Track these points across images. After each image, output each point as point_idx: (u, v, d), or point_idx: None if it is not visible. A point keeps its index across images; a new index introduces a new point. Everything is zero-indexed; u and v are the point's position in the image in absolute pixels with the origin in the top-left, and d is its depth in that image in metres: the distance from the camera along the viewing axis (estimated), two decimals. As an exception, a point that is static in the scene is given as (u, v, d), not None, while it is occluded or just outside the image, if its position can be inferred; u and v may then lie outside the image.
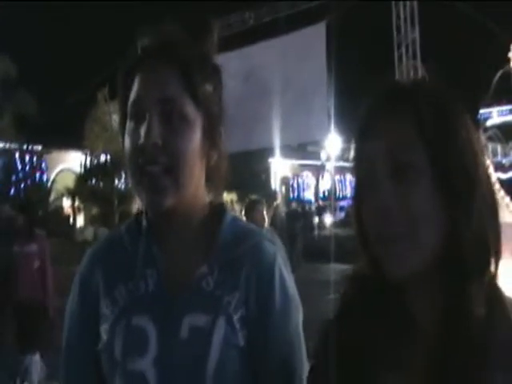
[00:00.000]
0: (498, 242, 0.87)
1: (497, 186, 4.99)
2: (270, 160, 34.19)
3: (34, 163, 25.52)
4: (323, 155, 33.92)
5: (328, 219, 26.24)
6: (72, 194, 25.04)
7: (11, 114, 23.63)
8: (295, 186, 39.02)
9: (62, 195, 25.52)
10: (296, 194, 38.32)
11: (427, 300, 0.87)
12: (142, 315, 1.10)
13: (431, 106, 0.85)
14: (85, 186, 23.79)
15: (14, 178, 24.51)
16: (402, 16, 19.11)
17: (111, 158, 22.59)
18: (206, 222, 1.18)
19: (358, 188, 0.91)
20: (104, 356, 1.12)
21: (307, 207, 27.07)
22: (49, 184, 26.79)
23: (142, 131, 1.07)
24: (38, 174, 25.74)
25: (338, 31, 16.63)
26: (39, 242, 5.73)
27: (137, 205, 1.18)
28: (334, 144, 26.61)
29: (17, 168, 24.88)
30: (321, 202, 33.23)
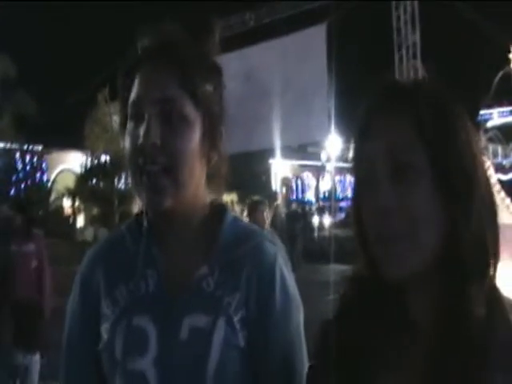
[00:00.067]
0: (497, 244, 0.87)
1: (497, 187, 4.99)
2: (271, 161, 34.19)
3: (35, 163, 25.53)
4: (323, 156, 33.90)
5: (327, 220, 26.23)
6: (72, 194, 25.03)
7: (11, 114, 23.63)
8: (295, 186, 39.02)
9: (63, 195, 25.52)
10: (296, 194, 38.33)
11: (427, 300, 0.87)
12: (143, 315, 1.10)
13: (431, 106, 0.85)
14: (85, 187, 23.78)
15: (14, 178, 24.52)
16: (402, 18, 19.13)
17: (111, 159, 22.59)
18: (206, 222, 1.18)
19: (358, 188, 0.91)
20: (104, 356, 1.12)
21: (307, 208, 27.06)
22: (49, 184, 26.80)
23: (142, 131, 1.08)
24: (38, 175, 25.76)
25: (338, 32, 16.64)
26: (37, 241, 5.71)
27: (137, 205, 1.18)
28: (334, 145, 26.60)
29: (17, 168, 24.89)
30: (321, 203, 33.23)
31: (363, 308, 0.92)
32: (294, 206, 25.20)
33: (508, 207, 5.04)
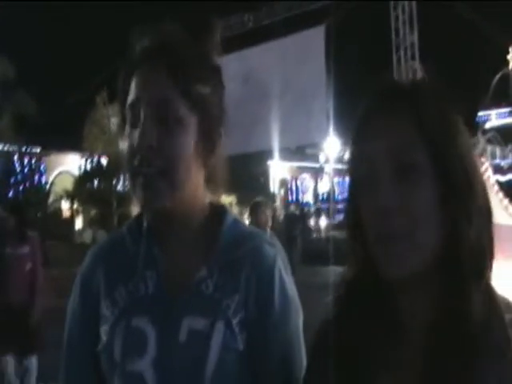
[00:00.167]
0: (492, 244, 0.87)
1: (495, 188, 4.99)
2: (269, 162, 34.20)
3: (33, 165, 25.50)
4: (322, 157, 33.93)
5: (323, 222, 26.25)
6: (70, 196, 25.03)
7: (10, 115, 23.61)
8: (294, 188, 39.01)
9: (61, 197, 25.51)
10: (295, 196, 38.32)
11: (426, 300, 0.87)
12: (142, 317, 1.10)
13: (431, 106, 0.86)
14: (83, 189, 23.79)
15: (12, 180, 24.49)
16: (400, 18, 19.15)
17: (110, 161, 22.59)
18: (206, 224, 1.18)
19: (356, 188, 0.91)
20: (103, 357, 1.12)
21: (306, 209, 27.07)
22: (47, 186, 26.78)
23: (137, 134, 1.08)
24: (36, 177, 25.73)
25: (337, 33, 16.65)
26: (31, 243, 5.71)
27: (135, 207, 1.18)
28: (332, 146, 26.63)
29: (15, 170, 24.87)
30: (320, 205, 33.23)
31: (358, 309, 0.92)
32: (292, 207, 25.20)
33: (506, 208, 5.04)
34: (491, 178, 5.27)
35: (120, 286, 1.14)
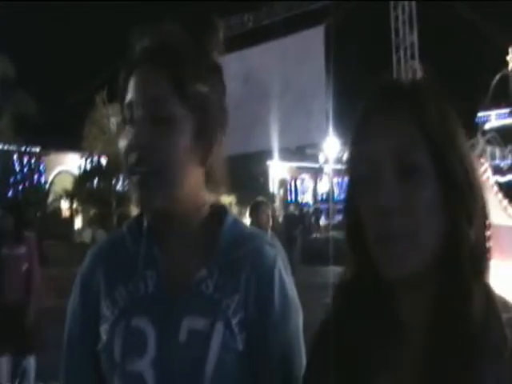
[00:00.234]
0: (487, 243, 0.88)
1: (495, 189, 5.00)
2: (269, 162, 34.18)
3: (32, 165, 25.49)
4: (321, 158, 33.91)
5: (322, 222, 26.24)
6: (70, 195, 25.01)
7: (10, 115, 23.59)
8: (293, 188, 39.01)
9: (60, 197, 25.49)
10: (294, 196, 38.31)
11: (427, 300, 0.87)
12: (142, 316, 1.10)
13: (431, 105, 0.86)
14: (83, 188, 23.77)
15: (12, 179, 24.48)
16: (400, 18, 19.16)
17: (109, 161, 22.59)
18: (206, 224, 1.18)
19: (355, 188, 0.91)
20: (103, 356, 1.13)
21: (305, 210, 27.07)
22: (47, 186, 26.76)
23: (132, 133, 1.09)
24: (36, 176, 25.70)
25: (336, 33, 16.65)
26: (28, 244, 5.71)
27: (135, 207, 1.18)
28: (332, 146, 26.62)
29: (15, 170, 24.85)
30: (319, 205, 33.22)
31: (362, 308, 0.92)
32: (291, 207, 25.20)
33: (505, 209, 5.04)
34: (491, 179, 5.28)
35: (120, 285, 1.14)
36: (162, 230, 1.17)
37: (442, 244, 0.84)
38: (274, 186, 34.93)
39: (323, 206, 31.73)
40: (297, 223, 18.68)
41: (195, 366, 1.06)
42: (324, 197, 37.11)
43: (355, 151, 0.91)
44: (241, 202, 22.76)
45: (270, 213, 6.14)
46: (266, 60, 17.41)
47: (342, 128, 20.71)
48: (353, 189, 0.92)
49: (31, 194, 23.79)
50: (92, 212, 24.16)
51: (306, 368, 1.03)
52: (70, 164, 27.82)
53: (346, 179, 0.95)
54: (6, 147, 24.55)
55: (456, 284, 0.83)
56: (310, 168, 38.39)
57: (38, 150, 25.93)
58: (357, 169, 0.90)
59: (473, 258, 0.84)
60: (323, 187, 38.65)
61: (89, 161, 24.07)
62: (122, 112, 1.15)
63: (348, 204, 0.94)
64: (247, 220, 6.31)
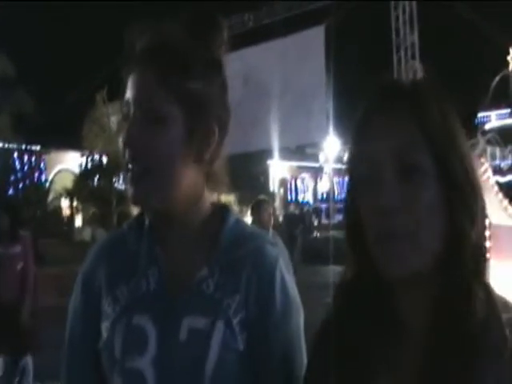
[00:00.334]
0: (485, 243, 0.88)
1: (495, 189, 5.00)
2: (269, 162, 34.17)
3: (33, 163, 25.51)
4: (322, 157, 33.93)
5: (323, 221, 26.22)
6: (70, 194, 25.02)
7: (10, 114, 23.59)
8: (293, 187, 39.01)
9: (61, 195, 25.50)
10: (294, 196, 38.31)
11: (427, 300, 0.87)
12: (143, 314, 1.10)
13: (431, 105, 0.86)
14: (83, 187, 23.78)
15: (12, 178, 24.49)
16: (400, 18, 19.15)
17: (109, 159, 22.60)
18: (208, 223, 1.18)
19: (356, 188, 0.91)
20: (104, 354, 1.13)
21: (305, 209, 27.06)
22: (47, 184, 26.77)
23: (125, 131, 1.11)
24: (36, 175, 25.74)
25: (337, 33, 16.65)
26: (23, 243, 5.70)
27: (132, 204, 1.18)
28: (332, 146, 26.63)
29: (15, 168, 24.87)
30: (319, 204, 33.23)
31: (362, 308, 0.92)
32: (291, 207, 25.19)
33: (506, 209, 5.04)
34: (491, 179, 5.28)
35: (121, 283, 1.14)
36: (162, 229, 1.17)
37: (442, 244, 0.84)
38: (274, 186, 34.92)
39: (323, 206, 31.74)
40: (297, 223, 18.67)
41: (195, 364, 1.06)
42: (324, 196, 37.12)
43: (356, 151, 0.91)
44: (241, 202, 22.76)
45: (271, 211, 6.12)
46: (266, 60, 17.40)
47: (342, 128, 20.73)
48: (353, 189, 0.92)
49: (31, 192, 23.81)
50: (92, 210, 24.17)
51: (307, 367, 1.03)
52: (70, 162, 27.82)
53: (347, 179, 0.95)
54: (6, 145, 24.55)
55: (457, 284, 0.83)
56: (311, 167, 38.42)
57: (38, 148, 25.93)
58: (357, 169, 0.90)
59: (474, 258, 0.84)
60: (323, 186, 38.68)
61: (89, 159, 24.08)
62: (122, 109, 1.16)
63: (348, 204, 0.94)
64: (248, 219, 6.30)
